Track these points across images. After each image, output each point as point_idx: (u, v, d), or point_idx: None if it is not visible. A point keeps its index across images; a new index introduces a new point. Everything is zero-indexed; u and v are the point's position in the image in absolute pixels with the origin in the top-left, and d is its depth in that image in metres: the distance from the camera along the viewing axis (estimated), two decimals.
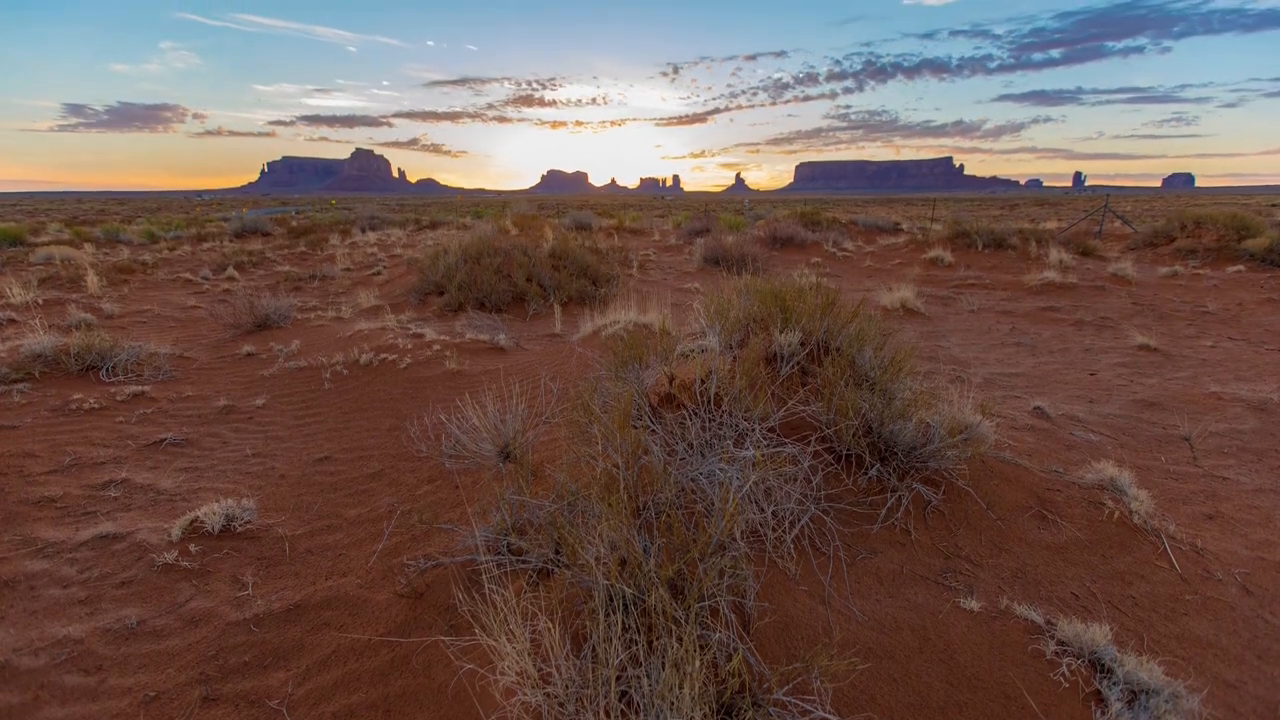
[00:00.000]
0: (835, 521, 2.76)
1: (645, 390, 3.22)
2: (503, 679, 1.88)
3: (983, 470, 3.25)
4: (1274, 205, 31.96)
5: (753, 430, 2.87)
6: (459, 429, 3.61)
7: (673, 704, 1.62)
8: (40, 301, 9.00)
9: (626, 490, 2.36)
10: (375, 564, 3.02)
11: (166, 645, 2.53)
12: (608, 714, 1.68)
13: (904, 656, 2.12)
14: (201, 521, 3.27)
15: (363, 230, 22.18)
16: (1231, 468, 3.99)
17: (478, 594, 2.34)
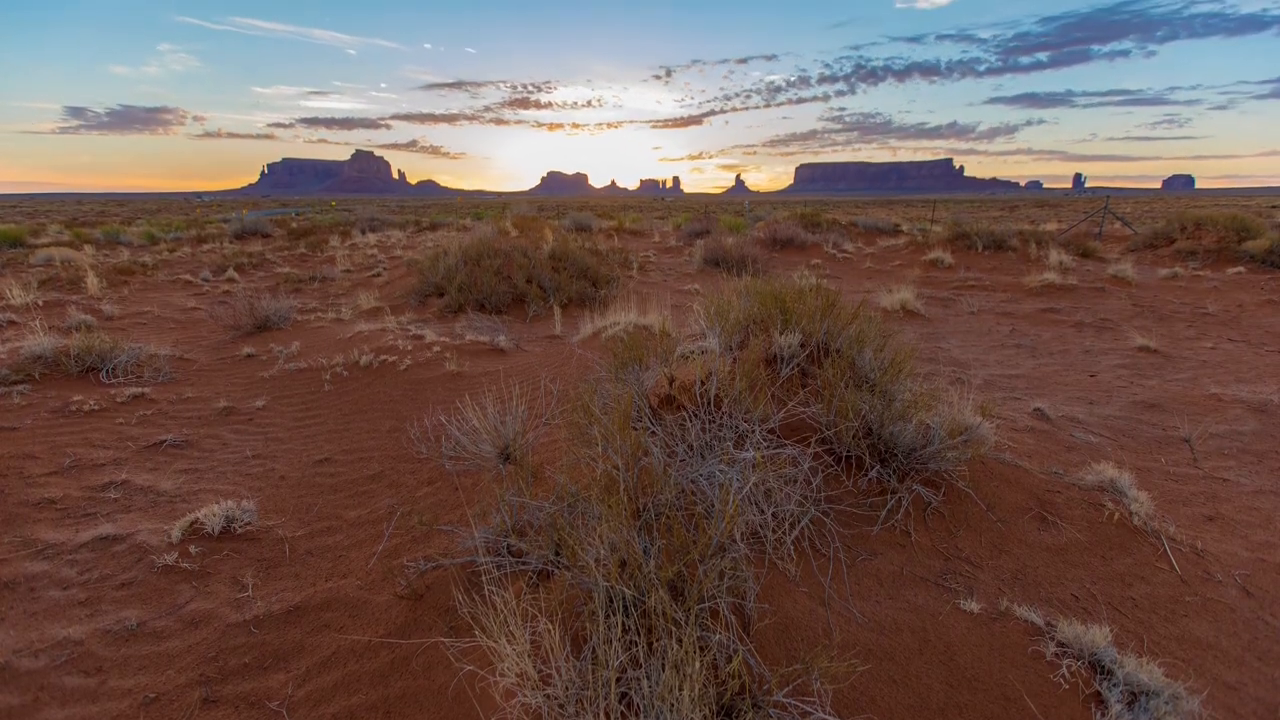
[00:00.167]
0: (835, 523, 2.76)
1: (645, 392, 3.22)
2: (503, 680, 1.88)
3: (983, 472, 3.25)
4: (1274, 207, 31.98)
5: (753, 432, 2.87)
6: (459, 430, 3.61)
7: (673, 705, 1.62)
8: (40, 303, 9.00)
9: (626, 492, 2.37)
10: (375, 565, 3.02)
11: (167, 647, 2.53)
12: (608, 715, 1.68)
13: (904, 658, 2.12)
14: (201, 523, 3.27)
15: (363, 232, 22.20)
16: (1232, 469, 3.99)
17: (478, 595, 2.34)
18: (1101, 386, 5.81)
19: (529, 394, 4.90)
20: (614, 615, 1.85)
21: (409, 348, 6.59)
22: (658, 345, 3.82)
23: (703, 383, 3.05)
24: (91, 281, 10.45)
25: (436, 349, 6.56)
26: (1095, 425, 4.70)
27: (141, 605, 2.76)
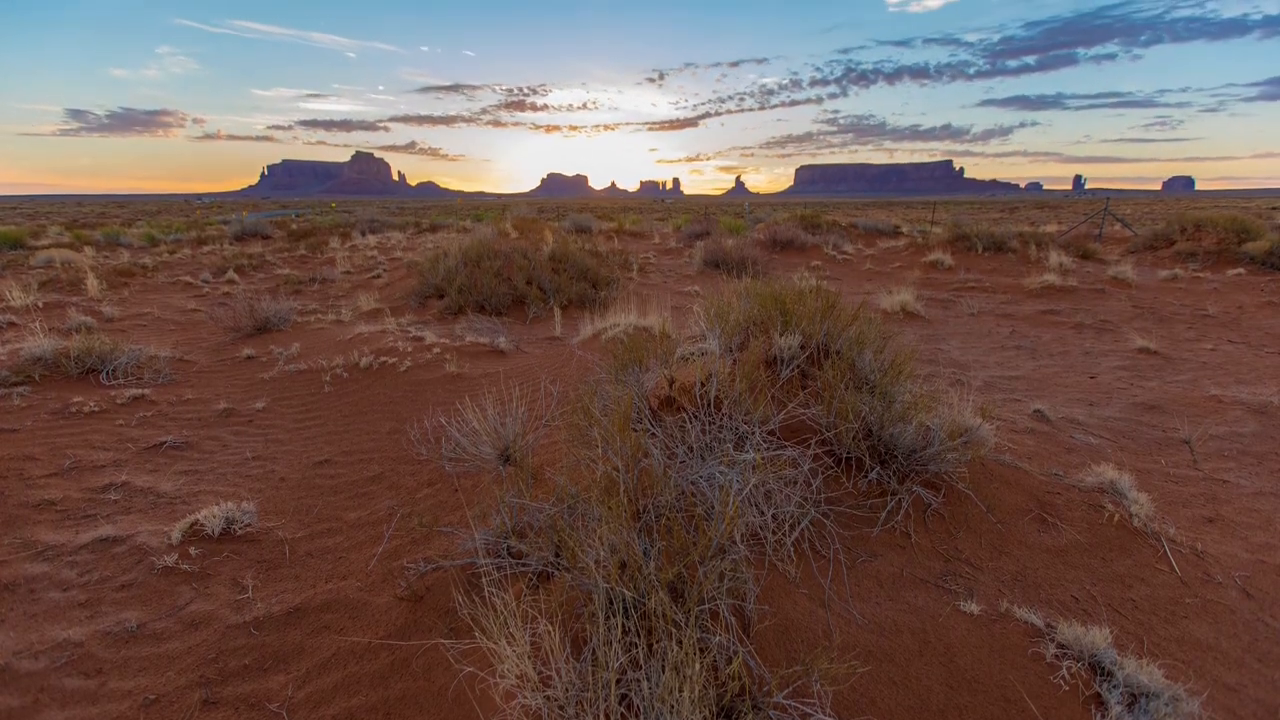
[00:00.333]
0: (835, 524, 2.76)
1: (645, 393, 3.22)
2: (503, 682, 1.88)
3: (983, 473, 3.25)
4: (1274, 208, 32.01)
5: (753, 433, 2.87)
6: (459, 432, 3.61)
7: (672, 707, 1.62)
8: (40, 304, 9.01)
9: (626, 493, 2.37)
10: (375, 567, 3.02)
11: (167, 648, 2.53)
12: (608, 717, 1.68)
13: (904, 659, 2.12)
14: (201, 524, 3.27)
15: (363, 233, 22.21)
16: (1232, 471, 3.99)
17: (478, 597, 2.34)
18: (1101, 388, 5.82)
19: (529, 396, 4.90)
20: (614, 617, 1.85)
21: (409, 349, 6.59)
22: (658, 347, 3.82)
23: (703, 384, 3.05)
24: (91, 283, 10.46)
25: (436, 350, 6.56)
26: (1095, 427, 4.70)
27: (141, 607, 2.76)
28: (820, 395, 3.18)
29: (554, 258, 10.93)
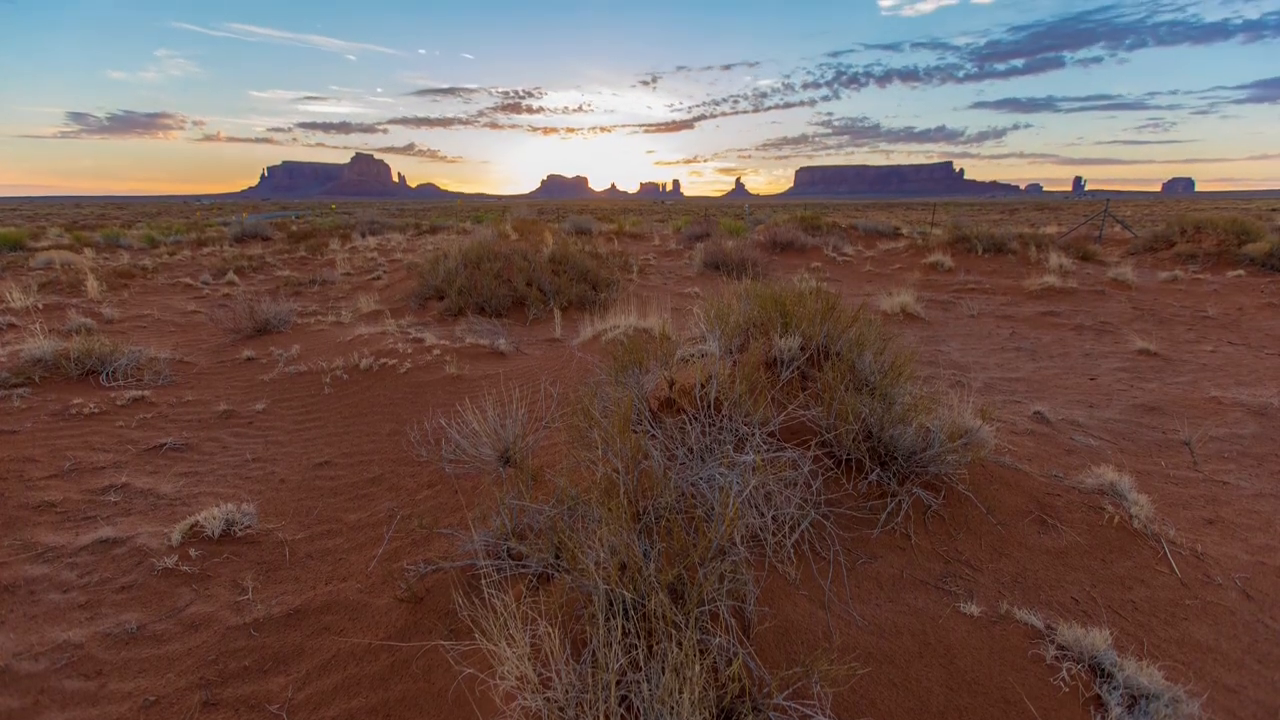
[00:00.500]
0: (835, 526, 2.76)
1: (645, 395, 3.23)
2: (503, 684, 1.87)
3: (983, 475, 3.25)
4: (1274, 210, 32.05)
5: (753, 435, 2.88)
6: (459, 434, 3.61)
7: (673, 709, 1.62)
8: (40, 306, 9.01)
9: (626, 495, 2.37)
10: (375, 569, 3.02)
11: (166, 650, 2.53)
12: (608, 719, 1.68)
13: (904, 661, 2.12)
14: (201, 526, 3.27)
15: (363, 235, 22.23)
16: (1232, 472, 3.99)
17: (477, 599, 2.34)
18: (1101, 389, 5.82)
19: (529, 397, 4.90)
20: (614, 618, 1.85)
21: (409, 351, 6.59)
22: (658, 348, 3.82)
23: (703, 386, 3.05)
24: (91, 284, 10.46)
25: (436, 352, 6.57)
26: (1095, 428, 4.70)
27: (141, 608, 2.76)
28: (820, 397, 3.19)
29: (554, 259, 10.93)
